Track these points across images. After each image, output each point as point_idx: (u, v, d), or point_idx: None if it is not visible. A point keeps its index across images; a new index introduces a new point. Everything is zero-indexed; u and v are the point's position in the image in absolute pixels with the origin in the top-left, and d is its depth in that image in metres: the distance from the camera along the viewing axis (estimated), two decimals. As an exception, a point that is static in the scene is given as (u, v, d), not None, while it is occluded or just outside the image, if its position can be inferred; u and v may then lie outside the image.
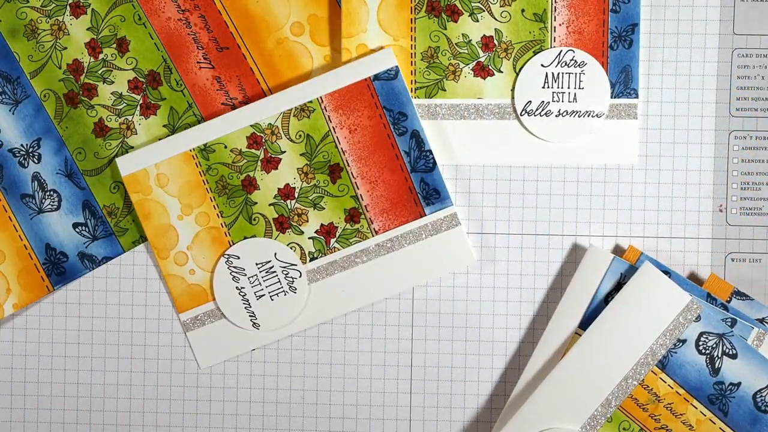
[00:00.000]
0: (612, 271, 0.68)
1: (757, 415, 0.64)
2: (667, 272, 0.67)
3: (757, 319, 0.68)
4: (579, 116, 0.71)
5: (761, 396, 0.64)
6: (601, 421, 0.66)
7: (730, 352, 0.65)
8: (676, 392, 0.65)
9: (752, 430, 0.65)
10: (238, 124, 0.71)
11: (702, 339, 0.65)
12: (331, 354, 0.73)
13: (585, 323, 0.68)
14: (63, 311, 0.74)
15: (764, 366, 0.65)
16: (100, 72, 0.72)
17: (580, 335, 0.67)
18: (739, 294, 0.68)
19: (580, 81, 0.71)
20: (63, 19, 0.72)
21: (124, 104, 0.72)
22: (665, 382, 0.65)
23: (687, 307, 0.65)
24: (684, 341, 0.65)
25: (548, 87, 0.71)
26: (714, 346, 0.65)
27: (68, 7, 0.72)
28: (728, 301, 0.68)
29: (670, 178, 0.72)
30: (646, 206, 0.72)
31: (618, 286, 0.68)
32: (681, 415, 0.65)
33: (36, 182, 0.72)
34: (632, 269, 0.67)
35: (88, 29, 0.72)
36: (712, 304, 0.67)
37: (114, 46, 0.72)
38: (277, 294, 0.72)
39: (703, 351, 0.65)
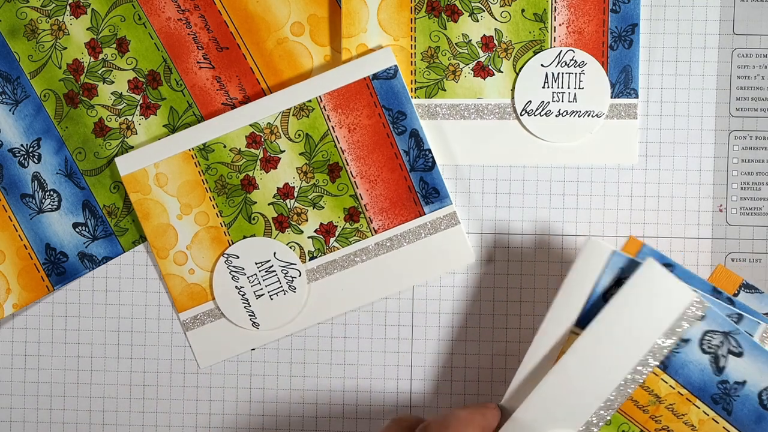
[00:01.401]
0: (611, 265, 0.64)
1: (762, 413, 0.63)
2: (669, 264, 0.65)
3: (766, 313, 0.67)
4: (579, 116, 0.71)
5: (767, 394, 0.63)
6: (600, 425, 0.64)
7: (736, 351, 0.63)
8: (678, 393, 0.64)
9: (757, 429, 0.63)
10: (237, 124, 0.71)
11: (706, 338, 0.63)
12: (331, 354, 0.73)
13: (582, 321, 0.64)
14: (63, 311, 0.74)
15: None
16: (100, 72, 0.72)
17: (577, 333, 0.64)
18: (747, 287, 0.66)
19: (580, 81, 0.71)
20: (63, 19, 0.72)
21: (124, 104, 0.72)
22: (666, 382, 0.63)
23: (691, 305, 0.62)
24: (687, 341, 0.63)
25: (548, 87, 0.71)
26: (719, 344, 0.63)
27: (68, 7, 0.72)
28: (736, 294, 0.66)
29: (670, 178, 0.72)
30: (646, 206, 0.72)
31: (617, 282, 0.64)
32: (683, 415, 0.64)
33: (36, 182, 0.73)
34: (632, 263, 0.64)
35: (88, 29, 0.72)
36: (718, 297, 0.66)
37: (114, 46, 0.72)
38: (276, 293, 0.72)
39: (708, 350, 0.63)
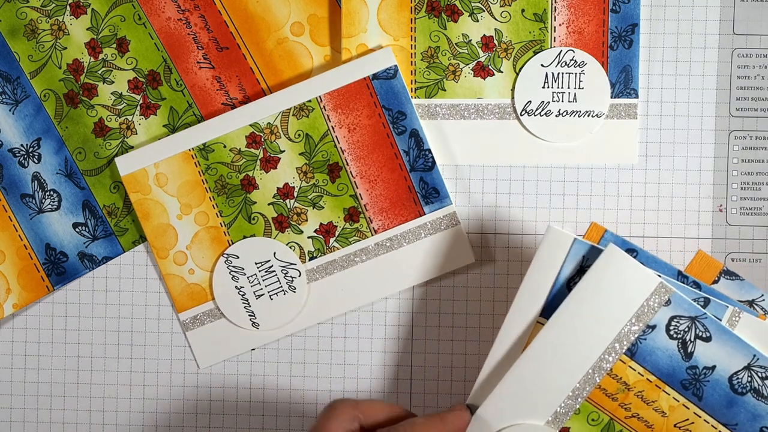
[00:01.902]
0: (573, 253, 0.63)
1: (733, 397, 0.62)
2: (633, 250, 0.64)
3: (747, 300, 0.66)
4: (579, 116, 0.71)
5: (738, 378, 0.62)
6: (569, 414, 0.63)
7: (704, 335, 0.61)
8: (647, 379, 0.62)
9: (728, 413, 0.62)
10: (237, 124, 0.71)
11: (673, 323, 0.62)
12: (331, 354, 0.73)
13: (547, 311, 0.63)
14: (63, 311, 0.74)
15: (740, 347, 0.62)
16: (100, 72, 0.72)
17: (543, 324, 0.63)
18: (728, 273, 0.65)
19: (580, 81, 0.71)
20: (63, 19, 0.72)
21: (124, 104, 0.72)
22: (635, 369, 0.62)
23: (656, 290, 0.61)
24: (654, 327, 0.62)
25: (548, 87, 0.71)
26: (686, 329, 0.62)
27: (68, 7, 0.72)
28: (716, 281, 0.65)
29: (670, 178, 0.72)
30: (646, 206, 0.72)
31: (581, 270, 0.63)
32: (653, 402, 0.62)
33: (36, 182, 0.73)
34: (594, 250, 0.63)
35: (88, 29, 0.72)
36: (684, 282, 0.64)
37: (114, 46, 0.72)
38: (276, 293, 0.72)
39: (675, 335, 0.62)
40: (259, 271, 0.72)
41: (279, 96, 0.71)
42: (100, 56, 0.72)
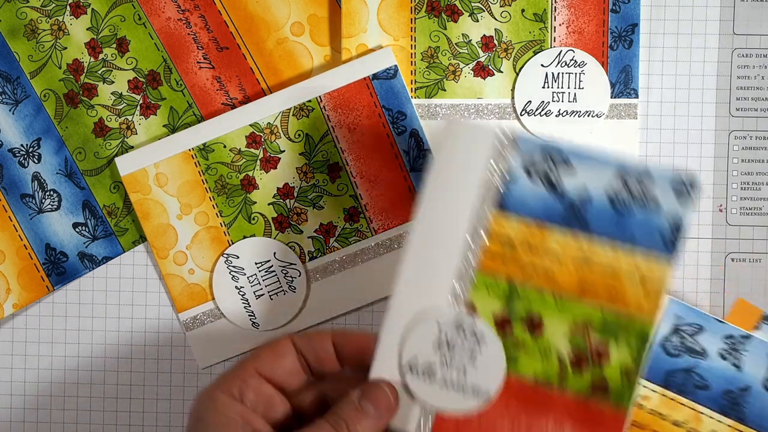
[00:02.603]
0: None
1: (616, 215, 0.58)
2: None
3: None
4: (579, 116, 0.71)
5: (614, 192, 0.58)
6: (466, 290, 0.59)
7: (560, 160, 0.58)
8: (527, 227, 0.59)
9: (618, 230, 0.58)
10: (237, 124, 0.71)
11: (529, 166, 0.59)
12: (331, 354, 0.73)
13: None
14: (63, 311, 0.74)
15: (605, 161, 0.58)
16: (100, 72, 0.72)
17: None
18: None
19: (580, 81, 0.71)
20: (63, 19, 0.72)
21: (124, 104, 0.72)
22: (511, 221, 0.59)
23: (498, 140, 0.59)
24: (512, 175, 0.59)
25: (548, 87, 0.71)
26: (542, 161, 0.59)
27: (68, 7, 0.72)
28: (756, 328, 0.65)
29: (670, 178, 0.72)
30: (646, 206, 0.72)
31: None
32: (542, 248, 0.59)
33: (36, 182, 0.73)
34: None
35: (88, 29, 0.72)
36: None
37: (114, 46, 0.72)
38: (276, 293, 0.72)
39: (536, 174, 0.59)
40: (259, 271, 0.72)
41: (279, 96, 0.71)
42: (100, 56, 0.72)
